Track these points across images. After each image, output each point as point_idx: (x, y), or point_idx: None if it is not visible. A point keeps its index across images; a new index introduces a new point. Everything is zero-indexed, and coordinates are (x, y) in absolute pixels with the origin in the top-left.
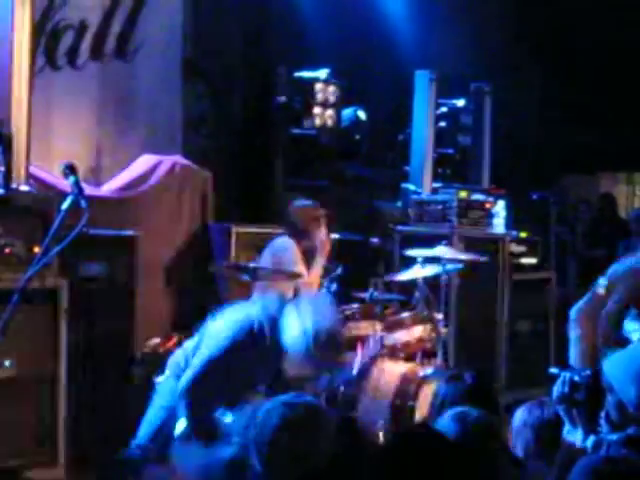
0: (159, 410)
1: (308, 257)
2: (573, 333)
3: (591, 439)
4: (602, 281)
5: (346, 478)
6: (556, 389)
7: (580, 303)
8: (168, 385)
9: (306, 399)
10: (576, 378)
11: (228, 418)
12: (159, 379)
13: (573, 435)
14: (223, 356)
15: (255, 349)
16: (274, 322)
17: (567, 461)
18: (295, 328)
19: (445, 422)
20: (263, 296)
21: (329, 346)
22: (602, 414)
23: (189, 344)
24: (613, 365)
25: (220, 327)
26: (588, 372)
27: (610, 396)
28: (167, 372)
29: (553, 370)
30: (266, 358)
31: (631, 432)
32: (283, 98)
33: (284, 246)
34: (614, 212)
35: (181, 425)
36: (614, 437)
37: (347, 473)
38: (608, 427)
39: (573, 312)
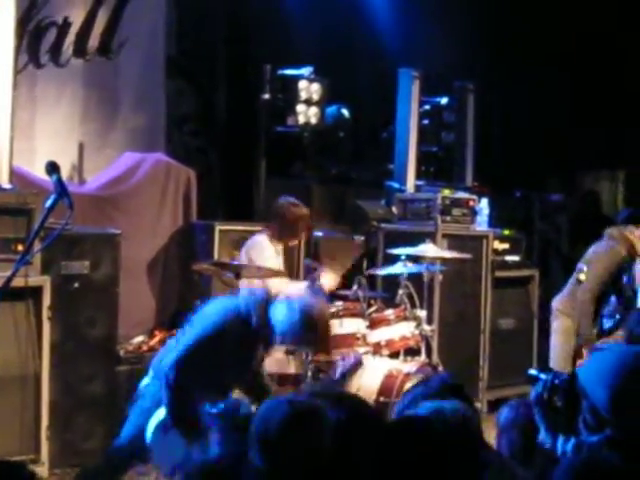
0: (142, 413)
1: (290, 255)
2: (554, 324)
3: (571, 442)
4: (581, 265)
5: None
6: (534, 392)
7: (562, 293)
8: (151, 388)
9: (307, 397)
10: (556, 381)
11: (210, 409)
12: (143, 382)
13: (549, 438)
14: (208, 340)
15: (240, 335)
16: (261, 308)
17: (546, 465)
18: (284, 308)
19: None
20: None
21: (317, 324)
22: (580, 418)
23: (171, 342)
24: (586, 369)
25: (205, 315)
26: (565, 376)
27: (585, 400)
28: (150, 373)
29: (532, 372)
30: (250, 347)
31: (609, 433)
32: (267, 96)
33: (256, 244)
34: (598, 209)
35: (160, 413)
36: (593, 439)
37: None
38: (586, 431)
39: (556, 302)
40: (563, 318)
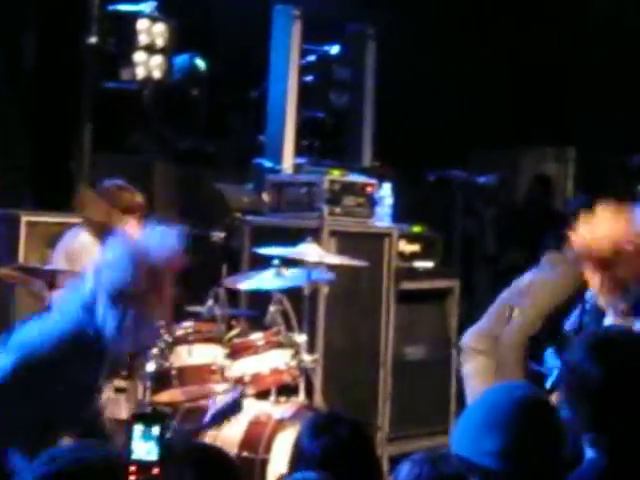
0: None
1: None
2: (467, 366)
3: None
4: (513, 299)
5: None
6: None
7: (477, 327)
8: None
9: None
10: None
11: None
12: None
13: None
14: (30, 368)
15: (68, 354)
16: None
17: None
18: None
19: None
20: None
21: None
22: None
23: None
24: (459, 435)
25: (28, 336)
26: None
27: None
28: None
29: None
30: (83, 369)
31: None
32: (93, 39)
33: (77, 241)
34: (547, 200)
35: None
36: None
37: None
38: None
39: (467, 339)
40: (480, 358)
